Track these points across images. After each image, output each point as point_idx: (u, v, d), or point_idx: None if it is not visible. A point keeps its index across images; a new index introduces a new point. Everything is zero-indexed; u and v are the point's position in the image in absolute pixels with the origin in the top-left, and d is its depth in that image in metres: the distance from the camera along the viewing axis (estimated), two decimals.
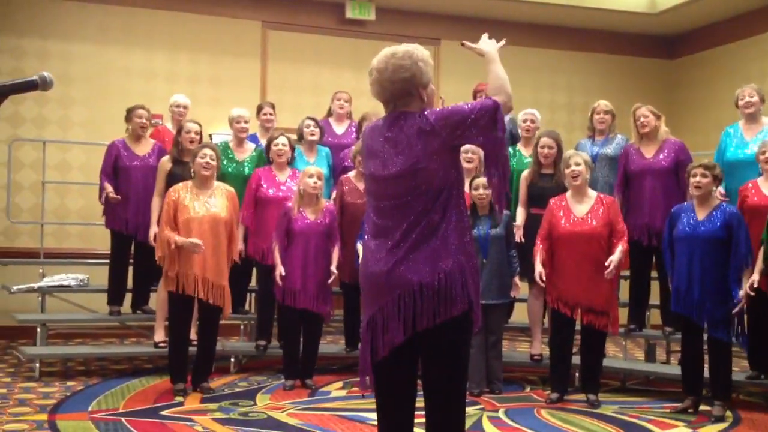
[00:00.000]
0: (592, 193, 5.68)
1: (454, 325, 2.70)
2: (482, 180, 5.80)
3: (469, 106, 2.71)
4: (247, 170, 6.65)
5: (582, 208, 5.59)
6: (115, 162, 6.56)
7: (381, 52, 2.81)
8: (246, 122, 6.75)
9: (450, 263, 2.68)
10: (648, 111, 6.27)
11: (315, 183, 5.86)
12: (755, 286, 5.17)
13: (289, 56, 9.26)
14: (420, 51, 2.78)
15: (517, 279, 6.01)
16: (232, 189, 5.81)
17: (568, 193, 5.68)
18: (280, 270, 5.84)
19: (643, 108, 6.30)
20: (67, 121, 8.50)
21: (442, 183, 2.71)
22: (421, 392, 2.81)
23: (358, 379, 6.00)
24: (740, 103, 6.17)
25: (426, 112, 2.73)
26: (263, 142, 6.90)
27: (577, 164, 5.56)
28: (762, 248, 5.24)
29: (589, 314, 5.53)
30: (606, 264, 5.39)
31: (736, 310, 5.19)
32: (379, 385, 2.83)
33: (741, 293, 5.19)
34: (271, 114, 7.08)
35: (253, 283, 7.14)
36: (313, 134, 6.71)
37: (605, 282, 5.48)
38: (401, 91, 2.76)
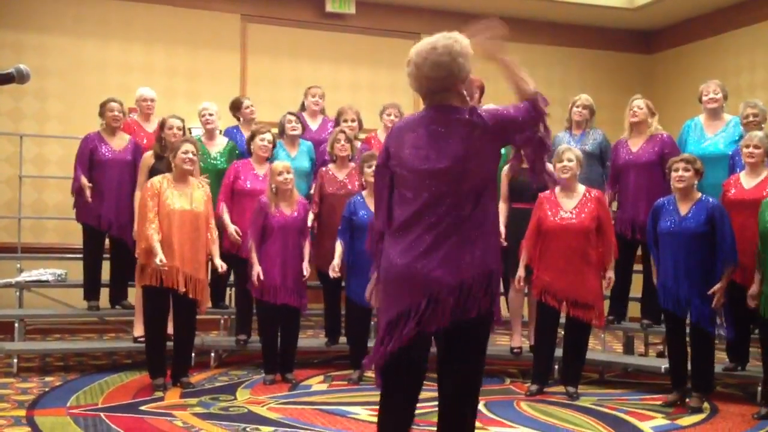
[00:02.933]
0: (581, 188, 5.71)
1: (481, 320, 2.78)
2: None
3: (514, 110, 2.77)
4: (219, 164, 6.63)
5: (570, 202, 5.62)
6: (91, 155, 6.50)
7: (421, 44, 2.77)
8: (211, 114, 6.72)
9: (491, 261, 2.76)
10: (644, 104, 6.30)
11: (285, 178, 5.84)
12: (754, 304, 5.20)
13: (268, 50, 9.22)
14: (459, 45, 2.74)
15: None
16: (207, 187, 5.78)
17: (557, 188, 5.72)
18: (257, 269, 5.81)
19: (641, 101, 6.33)
20: (44, 115, 8.42)
21: (485, 180, 2.76)
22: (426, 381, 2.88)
23: (339, 372, 6.00)
24: (704, 98, 6.24)
25: (478, 110, 2.76)
26: (246, 134, 6.89)
27: (570, 160, 5.61)
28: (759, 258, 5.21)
29: (576, 307, 5.57)
30: (605, 284, 5.61)
31: (714, 303, 5.23)
32: (388, 378, 2.84)
33: (714, 288, 5.23)
34: (253, 107, 7.09)
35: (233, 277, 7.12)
36: (294, 129, 6.70)
37: (592, 276, 5.54)
38: (438, 87, 2.76)
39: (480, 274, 2.72)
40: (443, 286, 2.68)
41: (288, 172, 5.87)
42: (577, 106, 6.73)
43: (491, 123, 2.72)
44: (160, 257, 5.31)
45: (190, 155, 5.55)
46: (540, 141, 2.79)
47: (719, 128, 6.17)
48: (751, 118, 5.92)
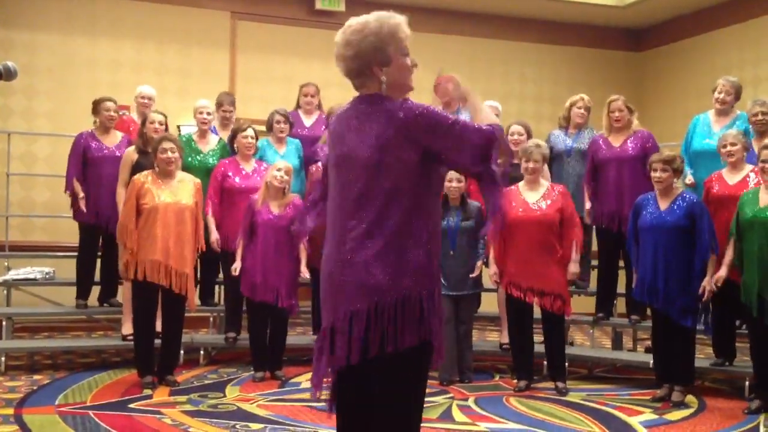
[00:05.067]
0: (545, 182, 5.81)
1: (407, 357, 2.36)
2: (455, 173, 5.87)
3: (455, 117, 2.40)
4: (211, 162, 6.61)
5: (533, 195, 5.71)
6: (84, 154, 6.49)
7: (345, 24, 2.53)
8: (209, 114, 6.72)
9: (410, 282, 2.36)
10: (623, 105, 6.32)
11: (282, 177, 5.84)
12: (719, 284, 5.25)
13: (258, 47, 9.21)
14: (378, 23, 2.45)
15: (479, 263, 6.03)
16: (198, 179, 5.78)
17: (521, 182, 5.80)
18: (237, 264, 5.86)
19: (620, 102, 6.34)
20: (32, 113, 8.39)
21: (410, 183, 2.37)
22: None
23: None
24: (716, 95, 6.21)
25: (404, 103, 2.39)
26: (222, 135, 6.88)
27: (536, 161, 5.68)
28: (731, 241, 5.30)
29: (542, 297, 5.62)
30: (571, 275, 5.64)
31: (705, 298, 5.27)
32: (336, 399, 2.52)
33: (704, 283, 5.27)
34: (231, 111, 7.07)
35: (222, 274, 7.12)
36: (282, 131, 6.69)
37: (556, 266, 5.59)
38: (352, 69, 2.47)
39: (398, 297, 2.34)
40: (349, 310, 2.36)
41: (287, 173, 5.88)
42: (579, 107, 6.73)
43: (414, 119, 2.35)
44: (129, 244, 5.38)
45: (169, 153, 5.51)
46: (489, 174, 2.37)
47: (725, 123, 6.17)
48: (759, 117, 5.92)
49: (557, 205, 5.63)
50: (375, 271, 2.35)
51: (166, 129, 6.28)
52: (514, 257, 5.66)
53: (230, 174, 6.34)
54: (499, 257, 5.75)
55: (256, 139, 6.42)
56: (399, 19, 2.49)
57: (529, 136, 6.32)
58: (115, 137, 6.61)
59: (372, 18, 2.47)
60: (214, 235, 6.28)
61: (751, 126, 5.98)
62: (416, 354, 2.39)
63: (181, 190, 5.57)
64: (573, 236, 5.64)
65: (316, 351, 2.51)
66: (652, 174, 5.43)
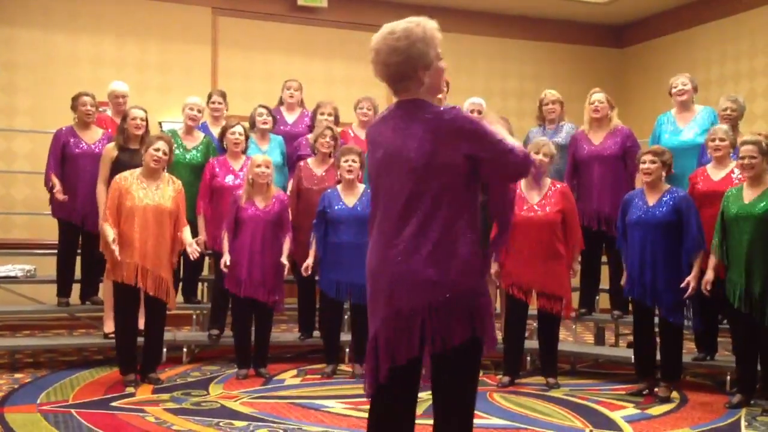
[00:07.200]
0: (547, 181, 5.76)
1: (462, 348, 2.52)
2: None
3: (499, 133, 2.54)
4: (195, 159, 6.58)
5: (536, 195, 5.68)
6: (63, 149, 6.43)
7: (382, 29, 2.59)
8: (199, 111, 6.68)
9: (461, 278, 2.48)
10: (604, 98, 6.38)
11: (263, 172, 5.83)
12: (708, 287, 5.28)
13: (240, 43, 9.18)
14: (420, 28, 2.55)
15: None
16: (179, 181, 5.75)
17: (523, 181, 5.75)
18: (225, 259, 5.81)
19: (601, 95, 6.40)
20: (12, 109, 8.32)
21: (456, 183, 2.50)
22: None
23: (313, 366, 5.97)
24: (673, 91, 6.34)
25: (452, 110, 2.51)
26: (213, 130, 6.84)
27: (546, 155, 5.66)
28: (714, 243, 5.33)
29: (543, 298, 5.63)
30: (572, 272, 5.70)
31: (687, 294, 5.30)
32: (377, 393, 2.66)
33: (688, 278, 5.30)
34: (220, 103, 7.03)
35: (206, 272, 7.09)
36: (265, 123, 6.68)
37: (558, 267, 5.60)
38: (397, 74, 2.56)
39: (450, 295, 2.48)
40: (414, 306, 2.49)
41: (267, 167, 5.85)
42: (546, 104, 6.78)
43: (462, 126, 2.49)
44: (114, 248, 5.30)
45: (161, 154, 5.50)
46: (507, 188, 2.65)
47: (690, 119, 6.26)
48: (729, 112, 5.99)
49: (559, 206, 5.62)
50: (428, 271, 2.47)
51: (147, 124, 6.23)
52: (515, 257, 5.64)
53: (219, 173, 6.32)
54: (502, 256, 5.74)
55: (246, 136, 6.39)
56: (434, 24, 2.62)
57: (510, 132, 6.33)
58: (95, 133, 6.55)
59: (413, 24, 2.57)
60: (202, 237, 6.26)
61: (719, 121, 6.05)
62: (469, 348, 2.53)
63: (162, 193, 5.54)
64: (575, 237, 5.67)
65: (369, 351, 2.60)
66: (641, 166, 5.43)
